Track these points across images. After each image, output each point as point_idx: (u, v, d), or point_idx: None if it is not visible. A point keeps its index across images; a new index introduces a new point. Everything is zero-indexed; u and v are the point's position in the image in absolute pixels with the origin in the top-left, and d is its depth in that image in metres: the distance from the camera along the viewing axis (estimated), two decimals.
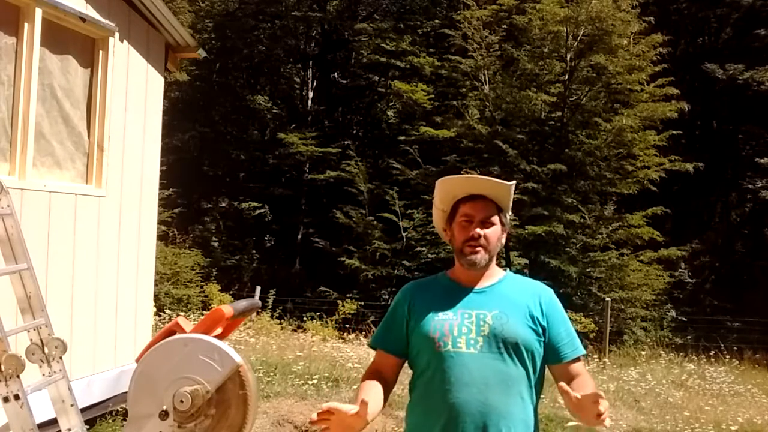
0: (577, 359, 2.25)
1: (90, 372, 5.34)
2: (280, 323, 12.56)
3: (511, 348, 2.15)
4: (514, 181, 2.31)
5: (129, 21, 5.78)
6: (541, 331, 2.21)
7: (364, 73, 22.37)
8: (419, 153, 16.97)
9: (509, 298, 2.23)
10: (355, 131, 22.62)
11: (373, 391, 2.15)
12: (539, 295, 2.27)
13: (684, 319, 16.32)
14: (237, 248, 20.10)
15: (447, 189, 2.31)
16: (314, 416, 1.94)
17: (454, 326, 2.17)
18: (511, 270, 2.39)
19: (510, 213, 2.33)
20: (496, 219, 2.25)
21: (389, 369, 2.30)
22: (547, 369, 2.27)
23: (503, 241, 2.30)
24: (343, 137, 20.61)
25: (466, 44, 16.33)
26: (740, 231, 21.36)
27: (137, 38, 5.88)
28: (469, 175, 2.35)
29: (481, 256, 2.21)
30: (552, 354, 2.23)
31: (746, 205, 20.94)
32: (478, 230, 2.21)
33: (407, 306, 2.28)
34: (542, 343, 2.21)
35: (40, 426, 3.00)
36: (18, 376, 2.74)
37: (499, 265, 2.34)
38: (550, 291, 2.31)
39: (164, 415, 2.17)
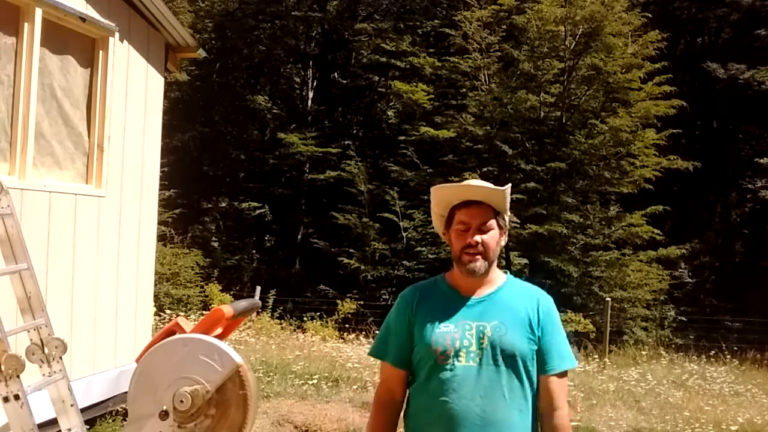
0: (562, 374, 2.22)
1: (90, 372, 5.33)
2: (280, 323, 12.56)
3: (509, 360, 2.15)
4: (509, 185, 2.29)
5: (129, 21, 5.78)
6: (536, 339, 2.20)
7: (364, 73, 22.38)
8: (419, 153, 16.99)
9: (508, 307, 2.22)
10: (355, 131, 22.62)
11: None
12: (538, 303, 2.25)
13: (684, 319, 16.33)
14: (237, 248, 20.10)
15: (441, 196, 2.29)
16: None
17: (455, 339, 2.16)
18: (510, 270, 2.37)
19: (508, 213, 2.31)
20: (493, 223, 2.22)
21: (398, 383, 2.30)
22: None
23: (502, 243, 2.28)
24: (343, 137, 20.62)
25: (466, 44, 16.35)
26: (740, 231, 21.38)
27: (137, 38, 5.88)
28: (462, 183, 2.31)
29: (480, 264, 2.20)
30: (539, 363, 2.21)
31: (746, 205, 20.96)
32: (475, 238, 2.19)
33: (411, 313, 2.26)
34: (535, 352, 2.20)
35: (40, 426, 3.00)
36: (18, 376, 2.74)
37: (498, 265, 2.32)
38: (549, 300, 2.30)
39: (164, 415, 2.17)
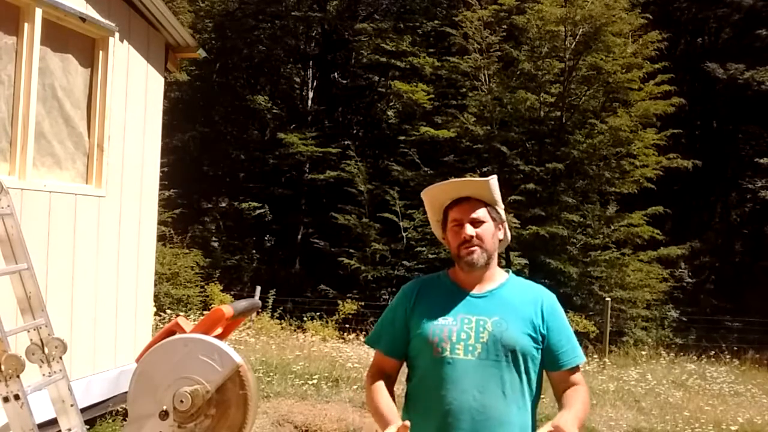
0: (576, 368, 2.24)
1: (90, 372, 5.34)
2: (280, 323, 12.56)
3: (510, 355, 2.15)
4: (494, 176, 2.30)
5: (129, 21, 5.78)
6: (540, 338, 2.20)
7: (364, 73, 22.37)
8: (419, 153, 16.99)
9: (510, 304, 2.22)
10: (355, 131, 22.61)
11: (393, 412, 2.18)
12: (541, 301, 2.25)
13: (684, 319, 16.32)
14: (237, 248, 20.10)
15: (431, 199, 2.32)
16: None
17: (453, 332, 2.16)
18: (511, 270, 2.37)
19: (501, 205, 2.32)
20: (485, 216, 2.23)
21: (391, 368, 2.32)
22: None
23: (501, 236, 2.28)
24: (343, 137, 20.60)
25: (466, 44, 16.34)
26: (740, 231, 21.37)
27: (137, 38, 5.88)
28: (447, 181, 2.32)
29: (477, 255, 2.20)
30: (550, 361, 2.22)
31: (746, 205, 20.95)
32: (468, 231, 2.20)
33: (410, 305, 2.27)
34: (540, 351, 2.20)
35: (40, 426, 3.00)
36: (18, 376, 2.74)
37: (499, 265, 2.33)
38: (552, 297, 2.30)
39: (164, 415, 2.17)
